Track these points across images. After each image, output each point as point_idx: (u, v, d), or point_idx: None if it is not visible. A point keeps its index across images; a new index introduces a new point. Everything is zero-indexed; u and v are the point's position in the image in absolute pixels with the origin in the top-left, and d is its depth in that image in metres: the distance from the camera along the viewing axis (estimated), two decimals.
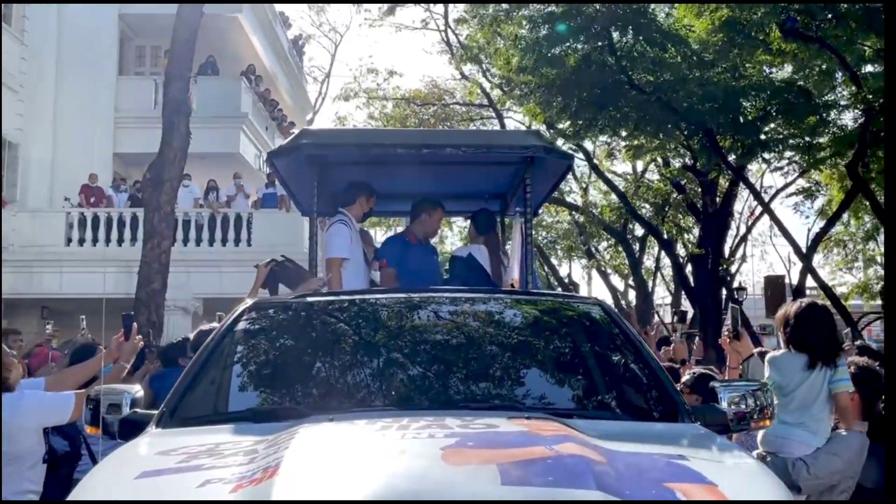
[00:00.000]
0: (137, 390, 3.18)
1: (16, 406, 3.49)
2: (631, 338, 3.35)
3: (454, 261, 5.90)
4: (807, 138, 15.74)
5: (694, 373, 5.47)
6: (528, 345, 3.35)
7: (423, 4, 23.42)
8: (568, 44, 14.98)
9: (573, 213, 26.61)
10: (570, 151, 20.53)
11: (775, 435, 4.36)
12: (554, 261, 31.21)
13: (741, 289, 22.83)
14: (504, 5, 16.61)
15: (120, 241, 17.59)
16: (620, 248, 25.84)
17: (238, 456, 2.16)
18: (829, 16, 13.27)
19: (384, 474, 1.89)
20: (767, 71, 15.43)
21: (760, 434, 4.46)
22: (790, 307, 4.61)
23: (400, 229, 8.06)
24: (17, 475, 3.52)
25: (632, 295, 29.42)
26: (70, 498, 2.03)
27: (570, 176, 26.67)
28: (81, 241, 17.71)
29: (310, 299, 3.66)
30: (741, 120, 14.71)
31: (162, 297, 11.82)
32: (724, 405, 3.06)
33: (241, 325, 3.32)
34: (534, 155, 4.91)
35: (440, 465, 1.94)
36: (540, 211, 29.43)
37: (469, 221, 6.49)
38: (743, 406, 3.07)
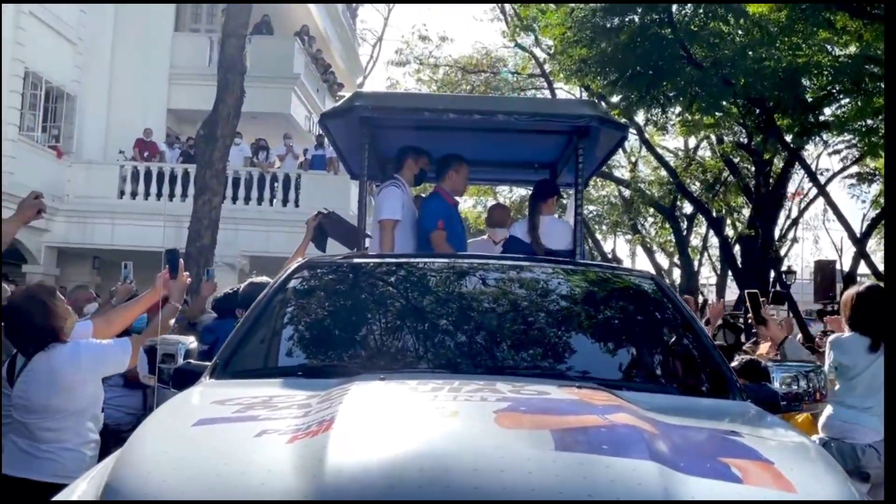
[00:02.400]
0: (192, 341, 3.24)
1: (73, 359, 3.40)
2: (684, 314, 3.31)
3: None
4: (868, 121, 15.29)
5: (742, 359, 5.39)
6: (579, 315, 3.33)
7: None
8: (624, 16, 14.69)
9: (620, 187, 26.32)
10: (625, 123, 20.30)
11: (841, 420, 4.27)
12: (598, 236, 30.98)
13: (790, 272, 22.41)
14: None
15: (171, 195, 17.84)
16: (667, 225, 25.51)
17: (292, 409, 2.19)
18: None
19: (438, 434, 1.91)
20: (830, 50, 14.98)
21: (823, 418, 4.37)
22: (853, 290, 4.53)
23: None
24: (80, 426, 3.46)
25: (676, 273, 29.12)
26: (128, 444, 2.07)
27: (619, 149, 26.40)
28: (134, 195, 18.01)
29: (361, 260, 3.68)
30: (801, 98, 14.35)
31: (211, 252, 12.00)
32: (776, 385, 3.02)
33: (293, 283, 3.35)
34: (588, 125, 4.84)
35: (494, 427, 1.95)
36: (588, 183, 29.01)
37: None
38: (795, 387, 3.03)
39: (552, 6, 17.36)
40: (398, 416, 2.07)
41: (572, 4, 15.72)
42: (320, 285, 3.45)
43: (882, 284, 4.74)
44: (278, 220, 17.31)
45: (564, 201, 7.85)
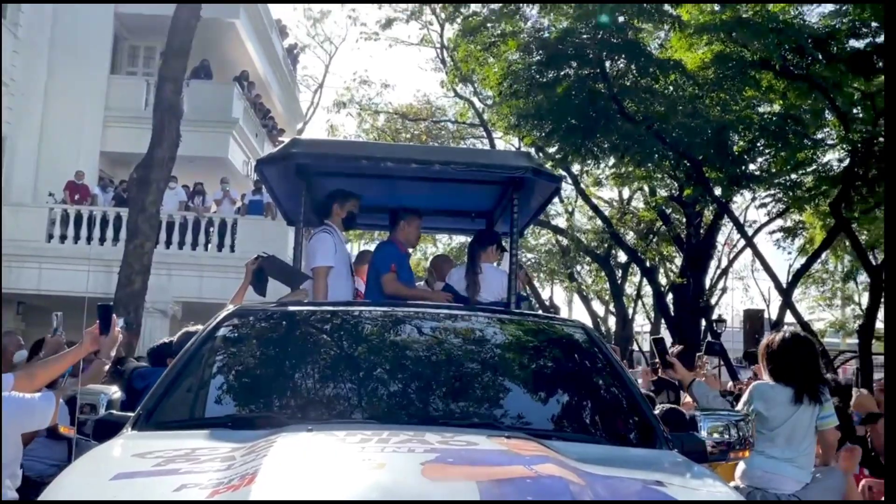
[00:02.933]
0: (115, 391, 3.15)
1: None
2: (613, 363, 3.36)
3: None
4: (792, 175, 15.90)
5: (663, 408, 5.44)
6: (510, 364, 3.35)
7: (419, 21, 23.54)
8: (559, 70, 15.09)
9: (557, 235, 26.72)
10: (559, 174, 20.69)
11: (763, 470, 4.19)
12: (536, 283, 31.27)
13: (720, 321, 22.96)
14: (498, 25, 16.73)
15: (102, 239, 17.44)
16: (603, 274, 25.93)
17: (215, 462, 2.14)
18: (820, 56, 13.46)
19: (363, 486, 1.88)
20: (756, 106, 15.60)
21: (741, 467, 4.31)
22: (774, 337, 4.45)
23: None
24: None
25: (612, 321, 29.51)
26: (42, 497, 1.99)
27: (556, 199, 26.91)
28: (63, 238, 17.56)
29: (292, 308, 3.64)
30: (728, 153, 14.86)
31: (142, 298, 11.72)
32: (703, 434, 3.05)
33: (222, 332, 3.29)
34: (523, 176, 4.93)
35: (420, 479, 1.94)
36: (525, 232, 29.36)
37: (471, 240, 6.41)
38: (726, 436, 3.05)
39: (490, 59, 17.72)
40: (323, 469, 2.05)
41: (510, 57, 16.08)
42: (250, 334, 3.40)
43: (802, 333, 4.74)
44: (213, 265, 17.04)
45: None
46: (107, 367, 3.76)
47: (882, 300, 13.54)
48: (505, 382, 3.20)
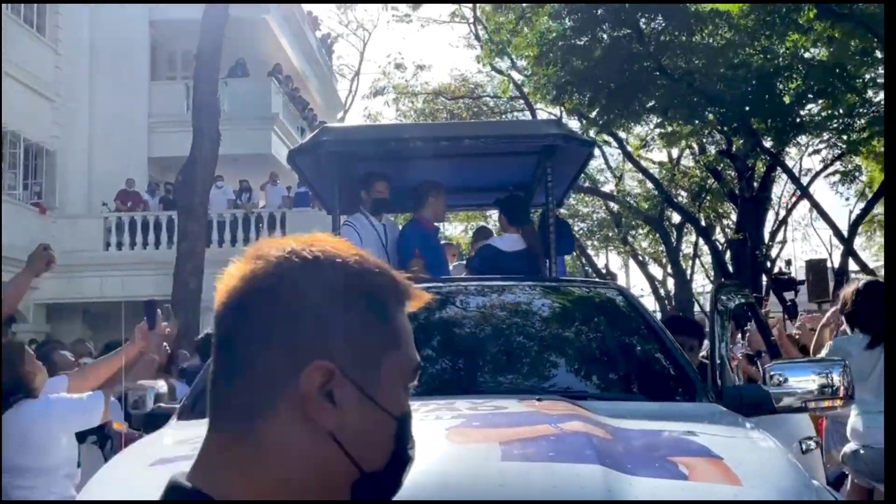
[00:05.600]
0: (161, 385, 3.27)
1: (43, 414, 3.32)
2: (649, 322, 3.36)
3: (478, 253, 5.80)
4: (845, 119, 15.47)
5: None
6: (545, 330, 3.37)
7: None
8: (594, 32, 14.90)
9: (608, 202, 26.47)
10: (601, 140, 20.48)
11: (865, 425, 4.07)
12: (591, 251, 31.07)
13: (781, 274, 22.44)
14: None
15: (157, 243, 17.91)
16: (657, 236, 25.62)
17: None
18: None
19: None
20: (802, 52, 15.19)
21: (849, 428, 4.17)
22: (848, 287, 4.35)
23: None
24: (53, 485, 3.37)
25: (671, 283, 29.19)
26: (87, 486, 2.09)
27: (605, 166, 26.68)
28: (120, 245, 18.07)
29: None
30: (776, 102, 14.51)
31: (198, 297, 12.02)
32: (768, 385, 2.88)
33: None
34: (553, 144, 4.90)
35: (443, 443, 1.98)
36: (572, 201, 28.95)
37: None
38: (812, 386, 2.83)
39: (525, 29, 17.58)
40: None
41: (543, 26, 15.93)
42: None
43: (875, 279, 4.53)
44: None
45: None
46: (156, 363, 3.87)
47: None
48: (539, 348, 3.22)
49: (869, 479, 4.19)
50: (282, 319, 0.90)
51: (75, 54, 19.32)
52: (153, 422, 2.97)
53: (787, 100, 14.64)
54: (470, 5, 23.40)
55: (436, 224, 5.69)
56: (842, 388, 2.88)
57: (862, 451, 4.12)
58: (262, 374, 0.89)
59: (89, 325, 19.11)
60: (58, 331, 17.71)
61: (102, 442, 4.76)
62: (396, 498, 1.73)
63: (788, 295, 14.83)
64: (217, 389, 0.93)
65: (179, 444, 2.36)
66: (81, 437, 3.89)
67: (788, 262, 23.16)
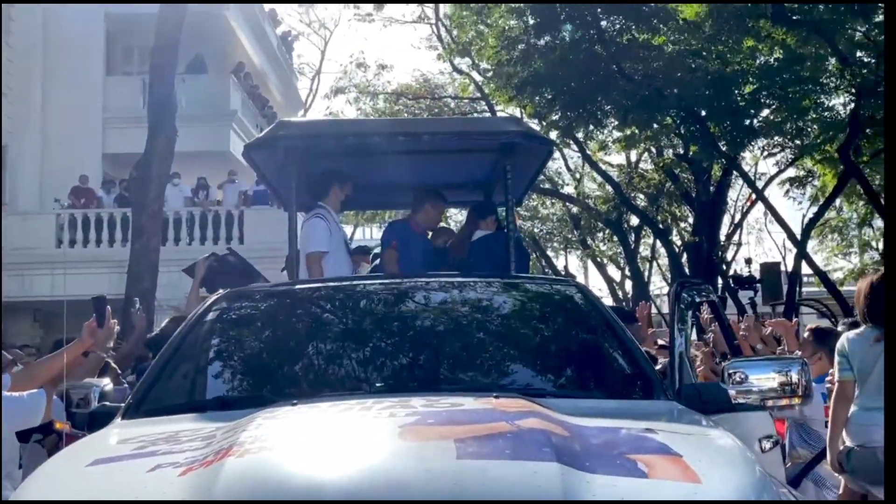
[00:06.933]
0: (106, 383, 3.15)
1: None
2: (608, 318, 3.32)
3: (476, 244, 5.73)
4: (798, 123, 15.70)
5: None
6: (501, 326, 3.32)
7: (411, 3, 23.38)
8: (556, 32, 14.93)
9: (567, 204, 26.61)
10: (561, 141, 20.57)
11: (860, 423, 3.99)
12: (550, 253, 31.22)
13: (736, 276, 22.77)
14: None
15: (111, 241, 17.56)
16: (616, 239, 25.83)
17: (195, 441, 2.13)
18: None
19: (337, 454, 1.87)
20: (757, 56, 15.39)
21: (848, 424, 4.10)
22: (863, 281, 4.32)
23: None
24: None
25: (629, 285, 29.43)
26: (22, 485, 2.00)
27: (564, 168, 26.82)
28: (73, 243, 17.67)
29: (280, 288, 3.63)
30: (732, 106, 14.68)
31: (152, 296, 11.78)
32: (727, 383, 2.84)
33: (210, 316, 3.28)
34: (513, 141, 4.86)
35: (396, 442, 1.92)
36: (532, 202, 29.12)
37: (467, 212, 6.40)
38: (774, 384, 2.80)
39: (484, 29, 17.58)
40: (297, 441, 2.03)
41: (503, 25, 15.94)
42: (238, 317, 3.39)
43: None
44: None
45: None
46: (102, 363, 3.77)
47: None
48: (496, 345, 3.17)
49: (863, 482, 4.09)
50: None
51: (28, 46, 18.86)
52: (96, 421, 2.85)
53: (740, 103, 14.82)
54: (432, 6, 23.37)
55: (424, 230, 5.64)
56: (800, 386, 2.87)
57: (857, 451, 4.04)
58: None
59: (41, 325, 18.67)
60: (7, 331, 17.25)
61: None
62: (346, 497, 1.66)
63: (748, 294, 14.99)
64: None
65: (121, 443, 2.26)
66: (25, 436, 3.75)
67: (749, 261, 23.56)
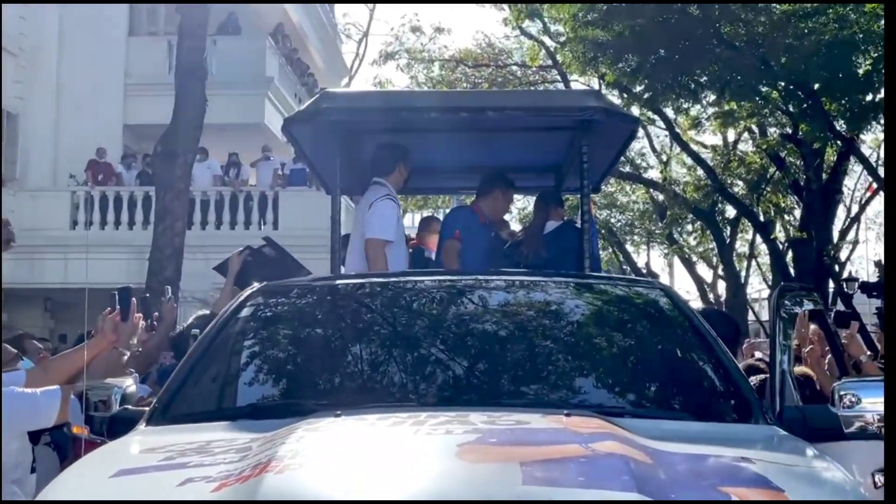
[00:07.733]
0: (129, 385, 3.24)
1: None
2: (698, 328, 3.30)
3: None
4: None
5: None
6: (577, 335, 3.33)
7: None
8: None
9: (651, 191, 26.34)
10: (645, 118, 20.36)
11: None
12: (630, 247, 30.98)
13: (850, 279, 22.33)
14: None
15: (131, 223, 17.95)
16: (708, 233, 25.50)
17: (229, 454, 2.20)
18: None
19: (386, 473, 1.91)
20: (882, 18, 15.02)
21: None
22: None
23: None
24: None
25: (722, 287, 29.06)
26: (40, 496, 2.08)
27: (648, 148, 26.57)
28: (88, 224, 18.08)
29: (322, 283, 3.69)
30: (851, 79, 14.37)
31: (176, 286, 12.03)
32: (837, 407, 2.79)
33: (245, 313, 3.35)
34: (591, 118, 4.84)
35: (454, 462, 1.95)
36: (610, 188, 28.89)
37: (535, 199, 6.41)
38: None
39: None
40: (344, 456, 2.08)
41: None
42: (274, 314, 3.46)
43: None
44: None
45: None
46: (126, 357, 3.85)
47: None
48: (570, 355, 3.18)
49: None
50: None
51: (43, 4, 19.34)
52: (117, 426, 2.95)
53: (861, 74, 14.47)
54: None
55: (490, 220, 5.67)
56: None
57: None
58: None
59: (52, 315, 19.21)
60: (17, 320, 17.80)
61: (61, 445, 4.76)
62: None
63: (875, 302, 14.66)
64: None
65: (147, 452, 2.34)
66: (35, 437, 3.87)
67: (878, 264, 22.97)
